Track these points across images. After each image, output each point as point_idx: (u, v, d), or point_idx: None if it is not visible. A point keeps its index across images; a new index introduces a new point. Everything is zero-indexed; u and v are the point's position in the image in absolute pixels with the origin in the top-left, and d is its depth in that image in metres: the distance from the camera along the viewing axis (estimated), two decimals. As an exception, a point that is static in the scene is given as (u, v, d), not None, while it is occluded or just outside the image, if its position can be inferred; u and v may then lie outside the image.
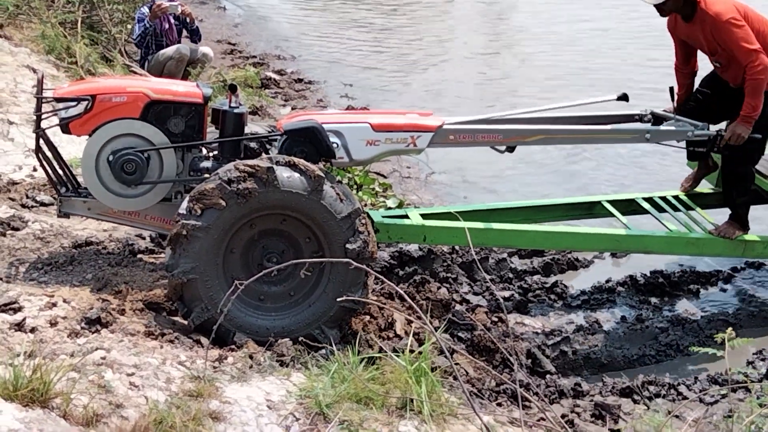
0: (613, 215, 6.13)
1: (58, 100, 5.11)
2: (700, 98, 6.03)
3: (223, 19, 15.20)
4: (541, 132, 5.53)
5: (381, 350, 4.65)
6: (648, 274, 6.63)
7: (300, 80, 11.79)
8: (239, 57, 12.64)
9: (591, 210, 6.29)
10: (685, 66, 6.03)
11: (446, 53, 13.67)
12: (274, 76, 11.62)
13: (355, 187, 7.62)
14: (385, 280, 3.91)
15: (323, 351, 4.65)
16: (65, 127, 5.09)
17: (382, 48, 13.87)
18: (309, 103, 10.86)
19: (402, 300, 5.69)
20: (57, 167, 5.24)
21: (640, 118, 5.97)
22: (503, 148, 5.58)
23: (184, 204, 4.63)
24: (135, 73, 9.74)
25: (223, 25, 14.61)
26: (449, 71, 12.62)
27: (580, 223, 6.30)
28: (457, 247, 6.62)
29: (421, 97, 11.21)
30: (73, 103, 5.02)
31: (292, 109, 10.36)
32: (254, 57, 12.66)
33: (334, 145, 5.13)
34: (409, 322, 5.36)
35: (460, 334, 5.56)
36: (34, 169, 6.73)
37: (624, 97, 5.86)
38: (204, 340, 4.61)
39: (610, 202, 6.24)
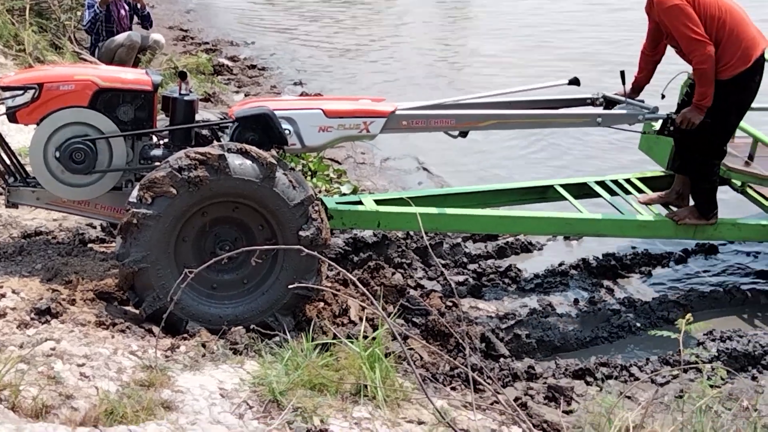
0: (565, 199, 6.17)
1: (4, 88, 5.04)
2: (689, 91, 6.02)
3: (175, 5, 15.05)
4: (494, 117, 5.54)
5: (335, 336, 4.63)
6: (600, 257, 6.69)
7: (253, 66, 11.73)
8: (191, 43, 12.54)
9: (544, 194, 6.33)
10: (651, 50, 6.02)
11: (399, 40, 13.66)
12: (226, 62, 11.54)
13: (309, 173, 7.59)
14: (337, 267, 3.90)
15: (277, 338, 4.64)
16: (12, 116, 5.01)
17: (335, 35, 13.84)
18: (262, 89, 10.81)
19: (356, 286, 5.68)
20: (4, 157, 5.16)
21: (592, 102, 6.01)
22: (456, 133, 5.60)
23: (135, 192, 4.59)
24: (85, 60, 9.61)
25: (175, 11, 14.48)
26: (402, 58, 12.62)
27: (533, 208, 6.33)
28: (411, 233, 6.62)
29: (374, 83, 11.21)
30: (20, 92, 4.95)
31: (246, 95, 10.30)
32: (207, 43, 12.57)
33: (287, 132, 5.10)
34: (363, 308, 5.36)
35: (414, 319, 5.56)
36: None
37: (575, 82, 5.89)
38: (156, 329, 4.57)
39: (562, 186, 6.28)
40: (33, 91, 4.93)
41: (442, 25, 15.25)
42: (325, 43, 13.32)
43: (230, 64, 11.56)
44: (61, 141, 4.94)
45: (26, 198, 5.14)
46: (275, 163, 4.64)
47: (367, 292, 3.76)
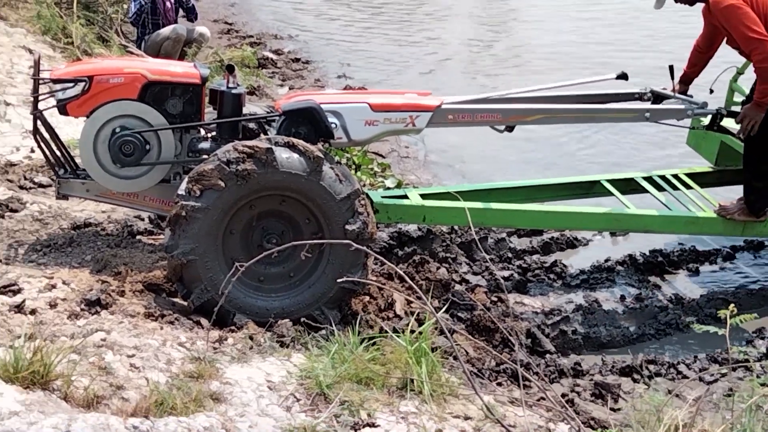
0: (612, 194, 6.11)
1: (55, 81, 5.08)
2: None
3: (219, -3, 15.11)
4: (541, 111, 5.50)
5: (381, 330, 4.64)
6: (647, 253, 6.63)
7: (297, 60, 11.74)
8: (236, 37, 12.58)
9: (590, 189, 6.27)
10: (705, 48, 5.94)
11: (443, 33, 13.61)
12: (271, 55, 11.57)
13: (353, 167, 7.59)
14: (385, 260, 3.91)
15: (323, 332, 4.64)
16: (62, 108, 5.06)
17: (380, 28, 13.81)
18: (306, 82, 10.82)
19: (402, 280, 5.68)
20: (55, 149, 5.22)
21: (640, 97, 5.94)
22: (502, 127, 5.56)
23: (183, 185, 4.61)
24: (132, 53, 9.69)
25: (219, 4, 14.52)
26: (447, 51, 12.57)
27: (580, 203, 6.28)
28: (456, 227, 6.61)
29: (419, 76, 11.19)
30: (71, 85, 5.00)
31: (290, 89, 10.32)
32: (251, 37, 12.59)
33: (333, 126, 5.11)
34: (409, 302, 5.35)
35: (459, 314, 5.54)
36: (32, 151, 6.71)
37: (623, 76, 5.83)
38: (204, 321, 4.61)
39: (609, 181, 6.22)
40: (83, 83, 4.97)
41: (485, 17, 15.17)
42: (369, 35, 13.31)
43: (274, 57, 11.59)
44: (110, 133, 4.98)
45: (76, 190, 5.19)
46: (322, 156, 4.65)
47: (416, 287, 3.75)
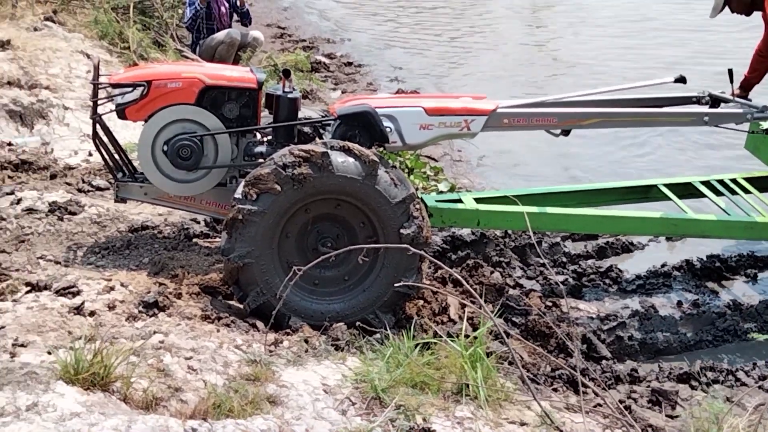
0: (669, 199, 6.04)
1: (114, 86, 5.15)
2: None
3: (272, 2, 15.21)
4: (597, 115, 5.46)
5: (436, 335, 4.62)
6: (704, 258, 6.55)
7: (350, 63, 11.79)
8: (289, 41, 12.67)
9: (647, 194, 6.20)
10: (766, 51, 5.87)
11: (495, 36, 13.57)
12: (323, 59, 11.63)
13: (406, 170, 7.60)
14: (442, 265, 3.90)
15: (378, 335, 4.65)
16: (121, 112, 5.13)
17: (432, 31, 13.82)
18: (359, 86, 10.85)
19: (456, 284, 5.67)
20: (113, 152, 5.28)
21: (698, 100, 5.87)
22: (558, 131, 5.52)
23: (240, 189, 4.65)
24: (187, 57, 9.79)
25: (272, 9, 14.64)
26: (500, 54, 12.52)
27: (636, 207, 6.21)
28: (509, 231, 6.57)
29: (471, 80, 11.15)
30: (129, 89, 5.06)
31: (342, 92, 10.36)
32: (304, 41, 12.68)
33: (388, 130, 5.11)
34: (463, 306, 5.33)
35: (513, 318, 5.52)
36: (90, 154, 6.82)
37: (681, 80, 5.76)
38: (260, 324, 4.64)
39: (666, 185, 6.15)
40: (142, 88, 5.04)
41: (535, 19, 15.11)
42: (421, 39, 13.31)
43: (327, 61, 11.64)
44: (168, 137, 5.04)
45: (134, 193, 5.26)
46: (377, 160, 4.65)
47: (474, 292, 3.73)
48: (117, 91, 5.15)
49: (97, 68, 5.13)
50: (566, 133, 5.52)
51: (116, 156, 5.31)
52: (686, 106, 5.85)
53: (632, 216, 5.71)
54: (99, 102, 5.18)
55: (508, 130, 5.51)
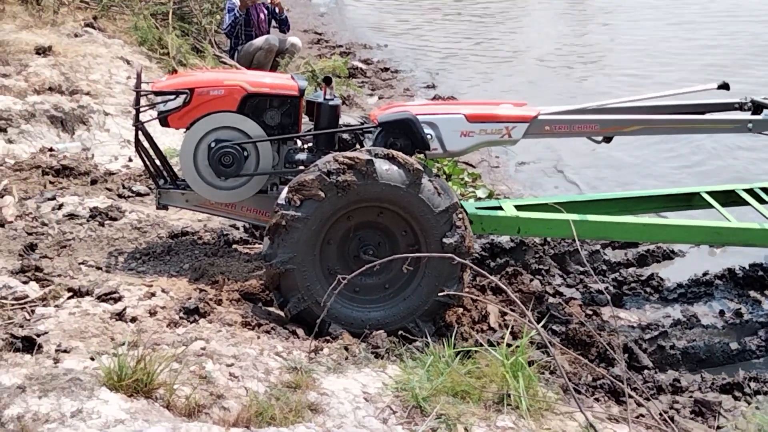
0: (712, 207, 5.96)
1: (157, 93, 5.18)
2: None
3: (308, 8, 15.29)
4: (639, 122, 5.40)
5: (477, 343, 4.59)
6: (747, 267, 6.44)
7: (386, 69, 11.81)
8: (326, 47, 12.71)
9: (689, 201, 6.12)
10: None
11: (531, 40, 13.53)
12: (360, 65, 11.65)
13: (444, 177, 7.58)
14: (486, 274, 3.88)
15: (418, 343, 4.63)
16: (164, 120, 5.16)
17: (467, 37, 13.79)
18: (395, 92, 10.86)
19: (495, 292, 5.64)
20: (155, 159, 5.31)
21: (740, 107, 5.78)
22: (600, 138, 5.48)
23: (283, 194, 4.65)
24: (225, 63, 9.84)
25: (309, 15, 14.70)
26: (537, 60, 12.48)
27: (678, 215, 6.14)
28: (549, 239, 6.53)
29: (509, 87, 11.11)
30: (172, 97, 5.09)
31: (379, 98, 10.37)
32: (340, 46, 12.71)
33: (429, 137, 5.09)
34: (503, 314, 5.30)
35: (554, 327, 5.47)
36: (130, 160, 6.87)
37: (725, 86, 5.69)
38: (300, 331, 4.64)
39: (709, 193, 6.06)
40: (185, 96, 5.06)
41: (573, 18, 15.04)
42: (458, 45, 13.30)
43: (364, 66, 11.66)
44: (210, 145, 5.05)
45: (176, 200, 5.28)
46: (421, 169, 4.64)
47: (518, 301, 3.70)
48: (160, 98, 5.17)
49: (139, 76, 5.16)
50: (608, 140, 5.48)
51: (158, 163, 5.34)
52: (729, 112, 5.78)
53: (676, 224, 5.65)
54: (141, 109, 5.20)
55: (549, 137, 5.47)
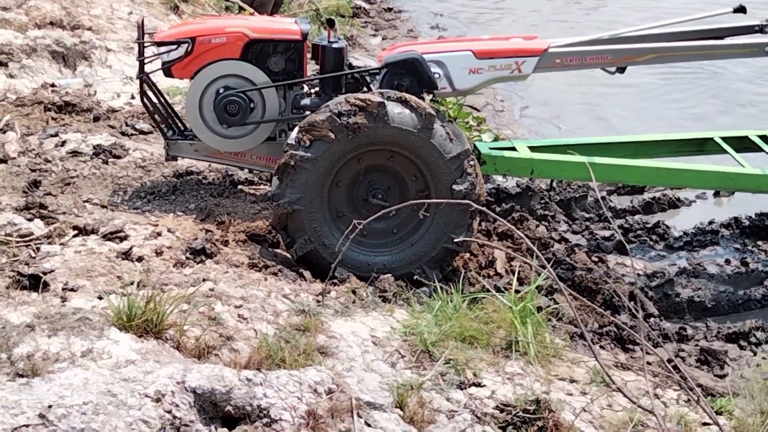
0: (725, 152, 5.88)
1: (159, 44, 5.12)
2: None
3: (311, -55, 15.02)
4: (653, 50, 5.25)
5: (484, 289, 4.57)
6: (753, 216, 6.40)
7: (389, 9, 11.66)
8: (329, -15, 12.50)
9: (702, 146, 6.02)
10: None
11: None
12: (363, 5, 11.50)
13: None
14: (502, 220, 3.85)
15: (425, 288, 4.61)
16: (167, 70, 5.11)
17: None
18: (399, 33, 10.74)
19: (501, 238, 5.61)
20: (162, 111, 5.24)
21: (761, 29, 5.62)
22: (613, 69, 5.36)
23: (293, 134, 4.60)
24: (227, 0, 9.68)
25: (311, -48, 14.45)
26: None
27: (690, 160, 6.07)
28: (555, 184, 6.48)
29: (514, 27, 10.94)
30: (174, 47, 5.02)
31: (383, 39, 10.25)
32: (344, -16, 12.51)
33: (436, 76, 5.01)
34: (510, 259, 5.28)
35: (559, 273, 5.44)
36: (132, 97, 6.78)
37: (741, 9, 5.51)
38: (307, 274, 4.62)
39: (723, 138, 5.98)
40: (186, 45, 4.99)
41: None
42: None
43: (367, 6, 11.52)
44: (215, 94, 4.99)
45: (185, 151, 5.24)
46: (434, 114, 4.58)
47: (533, 247, 3.66)
48: (163, 49, 5.10)
49: (142, 27, 5.08)
50: (622, 70, 5.36)
51: (165, 114, 5.27)
52: (746, 36, 5.62)
53: (691, 169, 5.57)
54: (146, 60, 5.12)
55: (561, 70, 5.37)
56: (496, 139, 7.24)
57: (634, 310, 3.41)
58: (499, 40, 5.39)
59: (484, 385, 3.80)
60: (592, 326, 4.92)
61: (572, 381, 4.02)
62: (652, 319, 5.19)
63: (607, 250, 5.92)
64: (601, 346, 4.77)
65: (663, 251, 6.08)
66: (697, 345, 5.01)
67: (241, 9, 9.48)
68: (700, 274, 5.73)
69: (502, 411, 3.63)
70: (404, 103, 4.57)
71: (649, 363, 4.37)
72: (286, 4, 9.66)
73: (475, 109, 8.35)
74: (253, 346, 3.68)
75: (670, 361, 4.68)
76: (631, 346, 4.87)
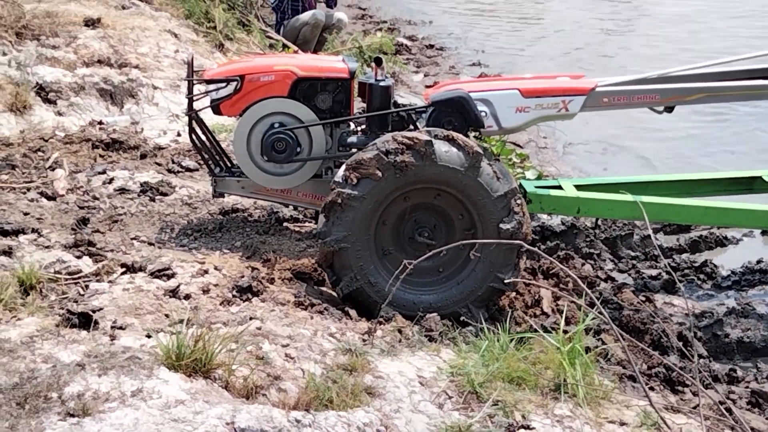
0: None
1: (208, 81, 5.17)
2: None
3: (352, -17, 15.18)
4: (701, 90, 5.20)
5: (532, 329, 4.53)
6: (802, 256, 6.33)
7: (431, 46, 11.72)
8: (370, 22, 12.63)
9: (751, 185, 5.94)
10: None
11: (579, 19, 13.34)
12: (405, 42, 11.57)
13: (492, 157, 7.48)
14: (554, 261, 3.81)
15: (471, 327, 4.57)
16: (216, 108, 5.16)
17: (513, 14, 13.63)
18: (441, 69, 10.78)
19: (546, 276, 5.57)
20: (210, 148, 5.29)
21: None
22: (661, 109, 5.32)
23: (341, 172, 4.61)
24: (271, 38, 9.79)
25: (352, -11, 14.60)
26: (584, 37, 12.30)
27: (738, 199, 5.99)
28: (600, 222, 6.43)
29: (557, 63, 10.95)
30: (223, 84, 5.07)
31: (425, 76, 10.28)
32: (384, 22, 12.62)
33: (483, 114, 5.01)
34: (557, 299, 5.23)
35: (606, 313, 5.37)
36: (179, 134, 6.85)
37: None
38: (353, 312, 4.61)
39: None
40: (235, 83, 5.03)
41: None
42: (505, 21, 13.15)
43: (408, 43, 11.58)
44: (263, 131, 5.03)
45: (232, 187, 5.27)
46: (481, 152, 4.57)
47: (585, 287, 3.63)
48: (212, 86, 5.16)
49: (191, 64, 5.14)
50: (670, 110, 5.32)
51: (213, 150, 5.32)
52: None
53: (739, 208, 5.49)
54: (194, 98, 5.18)
55: (608, 109, 5.34)
56: (539, 177, 7.21)
57: (686, 351, 3.34)
58: (546, 78, 5.38)
59: (533, 428, 3.75)
60: (641, 367, 4.85)
61: (622, 424, 3.95)
62: (701, 360, 5.09)
63: (654, 290, 5.86)
64: (651, 388, 4.68)
65: (711, 290, 6.00)
66: (747, 387, 4.91)
67: (285, 47, 9.60)
68: (750, 314, 5.63)
69: (552, 454, 3.58)
70: (451, 141, 4.57)
71: (697, 406, 4.30)
72: (330, 42, 9.75)
73: (518, 145, 8.34)
74: (300, 386, 3.66)
75: (722, 403, 4.61)
76: (680, 388, 4.78)
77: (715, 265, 6.22)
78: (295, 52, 9.23)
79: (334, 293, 4.79)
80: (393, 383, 3.88)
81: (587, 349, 4.28)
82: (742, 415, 4.51)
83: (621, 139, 8.66)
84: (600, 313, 3.80)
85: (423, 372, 4.05)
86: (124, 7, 9.07)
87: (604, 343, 4.85)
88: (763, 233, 6.71)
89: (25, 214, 5.20)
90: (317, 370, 3.84)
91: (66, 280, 4.45)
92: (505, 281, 4.62)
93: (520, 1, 14.36)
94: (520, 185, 5.30)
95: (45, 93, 6.98)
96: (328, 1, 10.38)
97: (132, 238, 5.11)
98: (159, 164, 6.31)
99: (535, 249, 3.84)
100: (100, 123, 6.84)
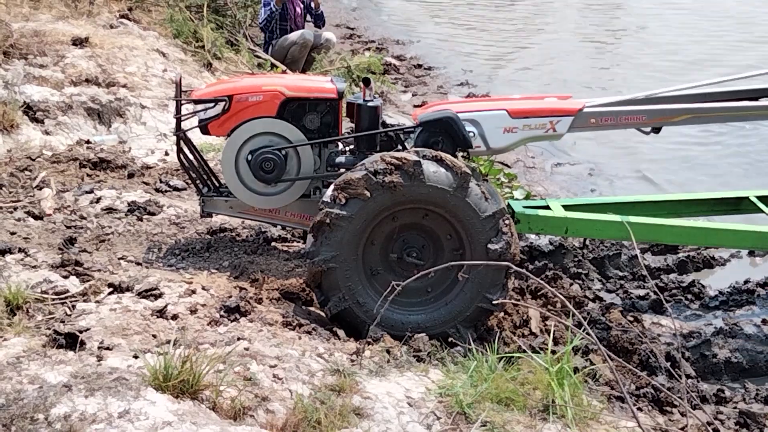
0: (761, 211, 5.82)
1: (196, 101, 5.17)
2: None
3: (340, 2, 15.22)
4: (688, 111, 5.24)
5: (520, 349, 4.52)
6: (790, 276, 6.34)
7: (419, 66, 11.74)
8: (358, 41, 12.66)
9: (738, 205, 5.97)
10: None
11: (567, 40, 13.42)
12: (393, 61, 11.60)
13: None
14: (542, 282, 3.81)
15: (459, 347, 4.57)
16: (204, 128, 5.16)
17: (501, 35, 13.69)
18: (429, 89, 10.80)
19: (534, 296, 5.58)
20: (198, 168, 5.28)
21: None
22: (648, 129, 5.34)
23: (329, 192, 4.61)
24: (259, 57, 9.80)
25: (341, 9, 14.65)
26: (571, 58, 12.38)
27: (725, 220, 6.02)
28: (588, 242, 6.44)
29: (545, 84, 10.99)
30: (211, 105, 5.07)
31: (413, 95, 10.30)
32: (373, 42, 12.66)
33: (471, 135, 5.02)
34: (545, 319, 5.23)
35: (594, 333, 5.38)
36: (166, 154, 6.84)
37: None
38: (341, 333, 4.60)
39: (759, 197, 5.93)
40: (223, 103, 5.03)
41: (597, 13, 14.95)
42: (490, 42, 13.21)
43: (397, 63, 11.60)
44: (250, 151, 5.02)
45: (220, 207, 5.26)
46: (469, 173, 4.57)
47: (573, 309, 3.63)
48: (200, 106, 5.16)
49: (179, 85, 5.14)
50: (657, 130, 5.34)
51: (201, 171, 5.31)
52: None
53: (728, 228, 5.52)
54: (183, 118, 5.18)
55: (595, 129, 5.36)
56: (527, 197, 7.22)
57: (674, 372, 3.35)
58: (534, 99, 5.40)
59: (522, 449, 3.75)
60: (629, 388, 4.84)
61: (610, 445, 3.95)
62: (689, 381, 5.10)
63: (642, 309, 5.86)
64: (639, 408, 4.68)
65: (698, 311, 6.01)
66: (735, 407, 4.91)
67: (273, 66, 9.61)
68: (737, 335, 5.64)
69: (541, 476, 3.57)
70: (440, 161, 4.57)
71: (684, 426, 4.31)
72: (318, 61, 9.76)
73: (506, 165, 8.35)
74: (288, 407, 3.65)
75: (710, 423, 4.61)
76: (669, 409, 4.78)
77: (703, 286, 6.23)
78: (284, 71, 9.25)
79: (322, 313, 4.77)
80: (381, 404, 3.87)
81: (576, 370, 4.28)
82: (730, 436, 4.53)
83: (609, 159, 8.68)
84: (588, 333, 3.79)
85: (411, 393, 4.04)
86: (112, 27, 9.08)
87: (592, 363, 4.86)
88: (750, 253, 6.74)
89: (12, 233, 5.18)
90: (305, 390, 3.83)
91: (53, 300, 4.42)
92: (494, 302, 4.61)
93: (509, 22, 14.40)
94: (509, 205, 5.31)
95: (32, 112, 6.96)
96: (317, 20, 10.41)
97: (119, 258, 5.09)
98: (147, 183, 6.29)
99: (523, 270, 3.82)
100: (88, 142, 6.82)
